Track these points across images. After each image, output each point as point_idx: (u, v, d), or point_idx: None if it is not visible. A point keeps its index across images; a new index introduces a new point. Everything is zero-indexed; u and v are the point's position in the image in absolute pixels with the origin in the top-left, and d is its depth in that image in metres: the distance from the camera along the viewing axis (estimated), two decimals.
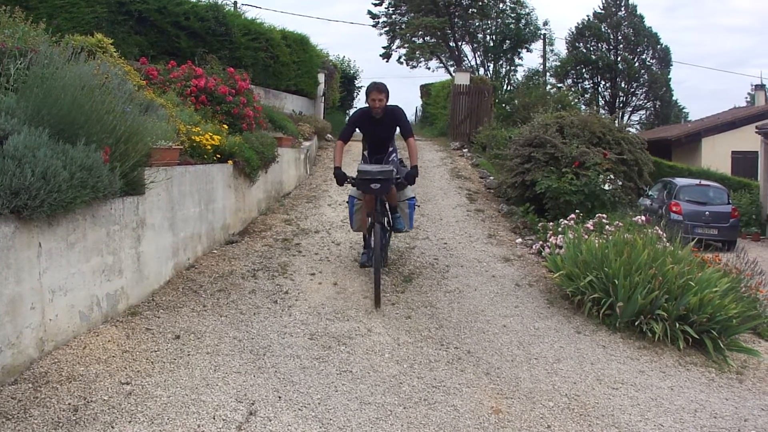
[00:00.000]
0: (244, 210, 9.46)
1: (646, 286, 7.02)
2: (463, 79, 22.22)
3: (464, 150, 19.61)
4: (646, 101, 49.06)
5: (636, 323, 7.01)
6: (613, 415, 5.11)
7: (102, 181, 5.08)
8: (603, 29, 47.29)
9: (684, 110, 52.17)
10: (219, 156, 8.44)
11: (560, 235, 9.16)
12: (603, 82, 48.81)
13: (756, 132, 22.59)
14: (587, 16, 48.28)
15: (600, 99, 48.31)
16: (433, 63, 43.76)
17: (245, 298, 6.69)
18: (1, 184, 4.30)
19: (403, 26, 40.66)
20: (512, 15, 43.40)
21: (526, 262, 9.21)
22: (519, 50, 44.42)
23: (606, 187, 10.92)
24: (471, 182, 14.97)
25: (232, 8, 17.05)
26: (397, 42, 41.91)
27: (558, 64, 48.01)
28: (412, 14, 39.74)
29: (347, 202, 8.19)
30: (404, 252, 8.96)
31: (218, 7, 15.19)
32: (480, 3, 39.69)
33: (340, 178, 7.38)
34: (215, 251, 8.02)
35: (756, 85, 38.05)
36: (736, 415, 5.42)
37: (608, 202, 11.05)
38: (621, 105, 48.21)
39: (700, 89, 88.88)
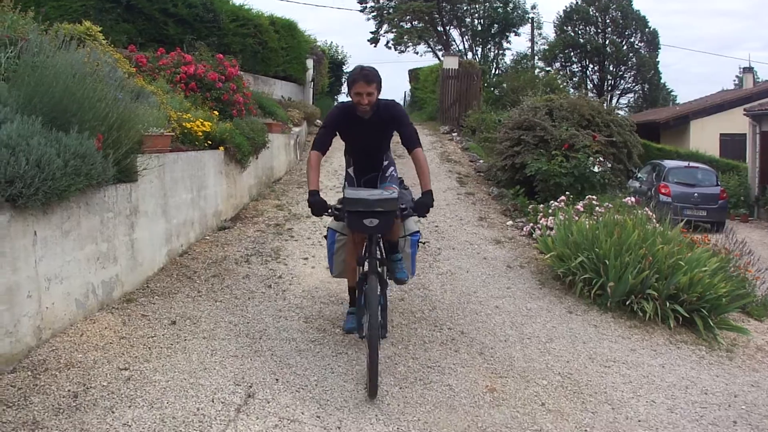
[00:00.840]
0: (235, 196, 9.48)
1: (637, 266, 7.10)
2: (452, 63, 22.25)
3: (454, 134, 19.66)
4: (634, 84, 49.23)
5: (627, 303, 7.10)
6: (605, 392, 5.19)
7: (95, 169, 5.09)
8: (591, 12, 47.34)
9: (672, 93, 52.38)
10: (210, 142, 8.45)
11: (551, 217, 9.23)
12: (591, 66, 48.92)
13: (744, 114, 22.72)
14: None
15: (588, 82, 48.43)
16: (422, 47, 43.77)
17: (239, 283, 6.72)
18: None
19: (391, 11, 40.60)
20: None
21: (517, 244, 9.28)
22: (507, 34, 44.49)
23: (595, 169, 11.00)
24: (461, 166, 15.04)
25: None
26: (385, 27, 41.87)
27: (546, 47, 48.08)
28: None
29: (325, 236, 5.85)
30: None
31: None
32: None
33: (318, 207, 4.92)
34: (208, 237, 8.04)
35: (744, 68, 38.21)
36: (727, 391, 5.52)
37: (598, 184, 11.14)
38: (609, 88, 48.32)
39: (688, 72, 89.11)
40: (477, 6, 42.97)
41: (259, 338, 5.44)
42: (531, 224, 9.78)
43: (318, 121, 19.02)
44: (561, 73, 45.55)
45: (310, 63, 21.09)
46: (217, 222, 8.60)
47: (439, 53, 41.69)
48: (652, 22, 48.12)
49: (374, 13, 41.72)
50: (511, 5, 43.41)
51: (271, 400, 4.42)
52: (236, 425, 4.04)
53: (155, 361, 4.78)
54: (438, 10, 39.84)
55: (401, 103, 36.19)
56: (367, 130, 5.29)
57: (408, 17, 39.53)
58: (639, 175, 19.19)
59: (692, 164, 20.38)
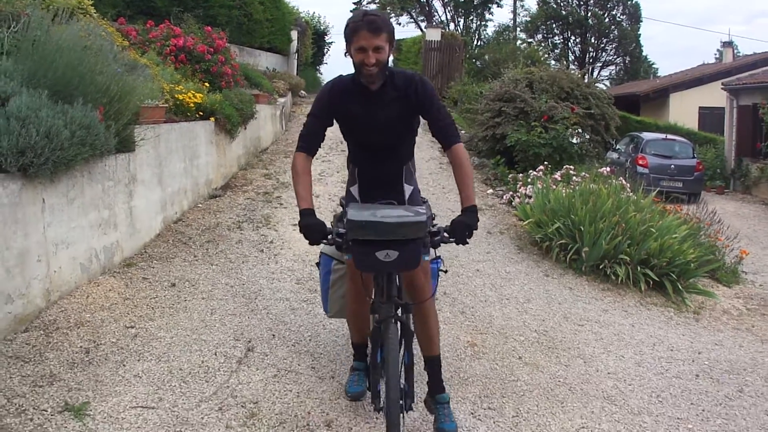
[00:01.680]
0: (225, 165, 9.75)
1: (610, 233, 7.49)
2: (434, 35, 22.42)
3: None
4: (615, 57, 49.55)
5: (600, 267, 7.49)
6: (578, 347, 5.57)
7: (99, 139, 5.36)
8: None
9: (653, 66, 52.76)
10: (201, 113, 8.69)
11: (529, 186, 9.60)
12: (573, 38, 49.16)
13: (722, 88, 23.10)
14: None
15: (570, 54, 48.64)
16: (404, 18, 43.75)
17: (233, 248, 7.03)
18: (8, 144, 4.58)
19: None
20: None
21: (497, 212, 9.65)
22: (489, 5, 44.60)
23: (573, 140, 11.36)
24: None
25: None
26: None
27: (528, 19, 48.21)
28: None
29: (316, 263, 4.46)
30: None
31: None
32: None
33: (316, 231, 3.42)
34: (200, 205, 8.32)
35: (724, 42, 38.61)
36: (691, 348, 5.91)
37: (576, 155, 11.51)
38: (591, 60, 48.61)
39: (670, 45, 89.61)
40: None
41: (254, 298, 5.78)
42: (511, 193, 10.13)
43: (302, 92, 19.26)
44: (543, 45, 45.79)
45: (294, 34, 21.22)
46: (209, 190, 8.87)
47: (422, 24, 41.77)
48: None
49: None
50: None
51: (269, 354, 4.77)
52: (238, 375, 4.38)
53: (159, 320, 5.10)
54: None
55: None
56: (377, 112, 3.64)
57: None
58: (618, 146, 19.59)
59: (669, 137, 20.76)
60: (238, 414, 3.91)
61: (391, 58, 3.66)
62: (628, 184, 9.25)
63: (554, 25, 48.61)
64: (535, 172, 10.20)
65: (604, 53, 49.66)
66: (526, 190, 9.49)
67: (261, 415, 3.92)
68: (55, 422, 3.59)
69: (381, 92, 3.60)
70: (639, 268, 7.38)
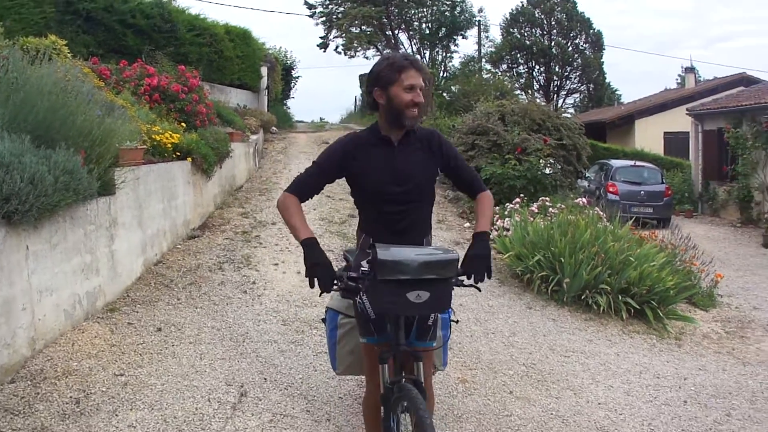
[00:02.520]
0: (202, 205, 9.72)
1: (590, 263, 7.58)
2: None
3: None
4: (580, 84, 50.13)
5: (582, 297, 7.57)
6: (567, 379, 5.60)
7: (82, 184, 5.33)
8: (537, 15, 48.06)
9: (617, 92, 53.41)
10: (178, 153, 8.67)
11: (507, 218, 9.66)
12: (537, 67, 49.64)
13: (687, 114, 23.50)
14: (521, 2, 48.93)
15: (535, 83, 49.19)
16: (371, 52, 44.00)
17: (216, 290, 7.00)
18: None
19: (339, 16, 40.75)
20: (447, 2, 43.88)
21: None
22: (454, 37, 44.89)
23: (547, 171, 11.49)
24: None
25: (175, 4, 17.06)
26: (334, 32, 41.97)
27: (493, 50, 48.71)
28: (349, 4, 39.84)
29: (322, 319, 4.27)
30: None
31: (163, 5, 15.27)
32: None
33: (326, 274, 3.09)
34: (179, 246, 8.27)
35: (686, 68, 39.43)
36: (677, 375, 5.98)
37: (549, 186, 11.65)
38: (555, 89, 49.16)
39: (632, 72, 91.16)
40: (425, 10, 43.37)
41: (242, 341, 5.74)
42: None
43: (274, 128, 19.26)
44: (508, 74, 46.25)
45: (264, 70, 21.24)
46: (187, 231, 8.83)
47: None
48: (596, 23, 49.10)
49: (323, 19, 41.84)
50: (458, 9, 43.85)
51: (262, 398, 4.73)
52: (234, 422, 4.34)
53: (148, 366, 5.05)
54: (387, 14, 40.18)
55: (351, 108, 36.33)
56: (399, 164, 3.36)
57: (357, 22, 39.74)
58: (587, 174, 19.79)
59: (638, 163, 21.02)
60: None
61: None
62: (604, 214, 9.35)
63: (519, 55, 49.10)
64: (511, 205, 10.28)
65: (568, 81, 50.23)
66: (503, 222, 9.56)
67: None
68: None
69: (404, 143, 3.39)
70: (620, 297, 7.48)
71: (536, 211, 9.58)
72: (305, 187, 3.41)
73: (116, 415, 4.28)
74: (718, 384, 5.84)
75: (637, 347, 6.67)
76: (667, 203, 19.26)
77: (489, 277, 3.27)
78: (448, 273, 3.07)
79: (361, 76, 32.46)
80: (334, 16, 41.38)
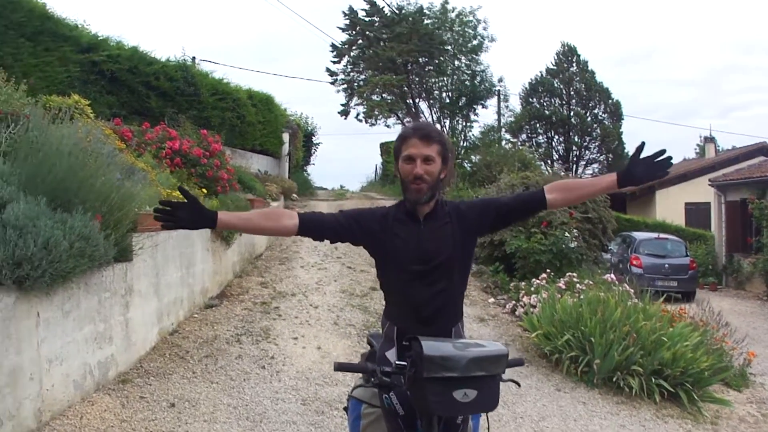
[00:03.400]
0: (220, 273, 9.51)
1: (621, 343, 7.27)
2: None
3: None
4: (599, 155, 50.10)
5: (613, 379, 7.23)
6: None
7: (98, 250, 5.16)
8: (556, 84, 48.41)
9: None
10: None
11: (533, 295, 9.37)
12: (557, 137, 49.75)
13: (709, 185, 23.31)
14: (540, 72, 49.33)
15: (554, 153, 49.23)
16: (392, 120, 44.29)
17: (233, 364, 6.72)
18: (4, 254, 4.35)
19: (361, 83, 41.17)
20: (468, 72, 44.29)
21: (500, 322, 9.39)
22: (474, 106, 45.19)
23: (572, 245, 11.24)
24: None
25: (199, 68, 17.19)
26: (356, 99, 42.35)
27: (512, 119, 48.94)
28: (371, 72, 40.28)
29: (345, 408, 3.57)
30: (381, 314, 9.03)
31: (187, 67, 15.39)
32: (437, 61, 40.44)
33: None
34: (196, 315, 8.04)
35: (705, 137, 39.41)
36: None
37: (575, 260, 11.36)
38: (575, 159, 49.16)
39: (650, 140, 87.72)
40: (445, 79, 43.79)
41: (259, 421, 5.45)
42: (513, 302, 9.91)
43: (294, 195, 19.18)
44: (527, 144, 46.32)
45: (286, 137, 21.31)
46: (204, 299, 8.61)
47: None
48: (614, 93, 49.31)
49: (345, 86, 42.29)
50: (478, 78, 44.25)
51: None
52: None
53: None
54: (407, 83, 40.53)
55: (372, 176, 36.29)
56: (427, 241, 3.09)
57: (378, 90, 40.09)
58: (610, 247, 19.51)
59: (662, 236, 20.76)
60: None
61: (443, 176, 3.13)
62: (632, 290, 9.06)
63: (538, 125, 49.26)
64: (538, 281, 10.00)
65: (587, 151, 50.20)
66: (530, 299, 9.26)
67: None
68: None
69: (431, 218, 3.11)
70: (653, 379, 7.13)
71: (564, 287, 9.30)
72: (315, 221, 3.11)
73: None
74: None
75: None
76: (692, 276, 18.96)
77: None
78: (498, 369, 2.83)
79: (382, 144, 32.60)
80: (356, 84, 41.83)
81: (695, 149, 55.99)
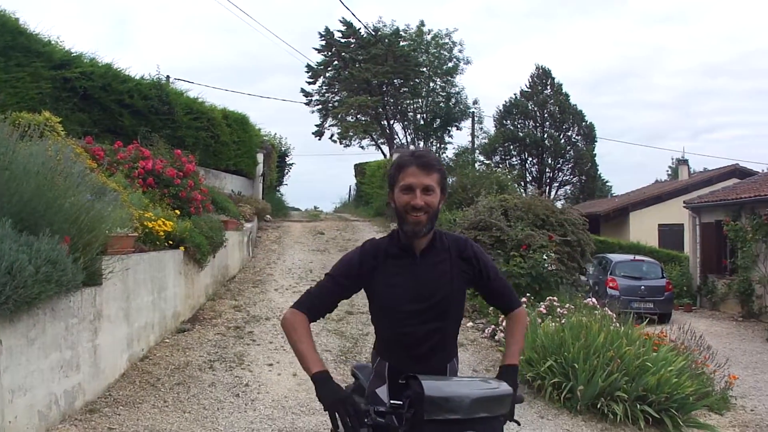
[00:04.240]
0: (193, 296, 9.26)
1: (605, 369, 7.11)
2: None
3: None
4: (572, 176, 50.41)
5: (597, 405, 7.07)
6: None
7: (66, 275, 4.94)
8: (530, 107, 48.78)
9: (608, 184, 53.84)
10: (170, 242, 8.28)
11: None
12: (530, 158, 50.03)
13: (684, 206, 23.41)
14: (515, 94, 49.75)
15: (527, 174, 49.43)
16: (366, 141, 44.26)
17: (206, 392, 6.47)
18: None
19: (336, 104, 41.12)
20: (443, 94, 44.53)
21: (480, 347, 9.22)
22: (449, 128, 45.41)
23: (551, 268, 11.14)
24: None
25: (172, 86, 16.88)
26: (330, 120, 42.28)
27: (486, 141, 49.13)
28: (346, 93, 40.25)
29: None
30: (358, 339, 8.81)
31: (161, 86, 15.10)
32: (412, 83, 40.53)
33: (355, 412, 2.56)
34: (167, 340, 7.79)
35: (678, 160, 39.83)
36: None
37: (553, 283, 11.26)
38: (548, 181, 49.42)
39: (622, 162, 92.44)
40: (420, 101, 43.94)
41: None
42: (492, 326, 9.73)
43: (268, 216, 18.92)
44: (500, 166, 46.46)
45: (260, 157, 21.05)
46: (176, 324, 8.35)
47: (383, 147, 42.24)
48: (588, 116, 49.68)
49: (319, 106, 42.21)
50: (453, 100, 44.50)
51: None
52: None
53: None
54: (383, 104, 40.55)
55: (345, 197, 36.17)
56: (424, 278, 2.91)
57: (353, 111, 40.06)
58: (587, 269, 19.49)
59: (638, 257, 20.82)
60: None
61: (440, 205, 2.92)
62: (614, 315, 8.94)
63: (512, 147, 49.49)
64: None
65: (560, 173, 50.52)
66: None
67: None
68: None
69: (427, 253, 2.92)
70: (637, 405, 6.98)
71: (544, 311, 9.16)
72: (317, 303, 2.92)
73: None
74: None
75: None
76: (668, 298, 18.99)
77: (510, 419, 2.79)
78: (503, 409, 2.65)
79: (356, 165, 32.42)
80: (330, 105, 41.79)
81: (667, 171, 56.56)
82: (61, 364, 5.24)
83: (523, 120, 49.57)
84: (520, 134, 48.88)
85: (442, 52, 43.78)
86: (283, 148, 28.97)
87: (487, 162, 45.69)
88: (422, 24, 42.70)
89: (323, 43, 40.00)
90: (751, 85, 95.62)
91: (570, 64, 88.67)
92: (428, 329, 2.91)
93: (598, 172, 51.54)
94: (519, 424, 2.88)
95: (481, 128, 48.35)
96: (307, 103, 42.25)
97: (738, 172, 30.64)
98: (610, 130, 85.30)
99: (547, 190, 46.54)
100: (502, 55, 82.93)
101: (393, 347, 2.97)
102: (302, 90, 41.95)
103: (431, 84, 44.23)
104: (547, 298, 9.70)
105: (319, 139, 43.68)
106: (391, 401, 2.70)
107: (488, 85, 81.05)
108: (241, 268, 12.72)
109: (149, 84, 14.72)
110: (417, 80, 41.39)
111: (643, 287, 18.69)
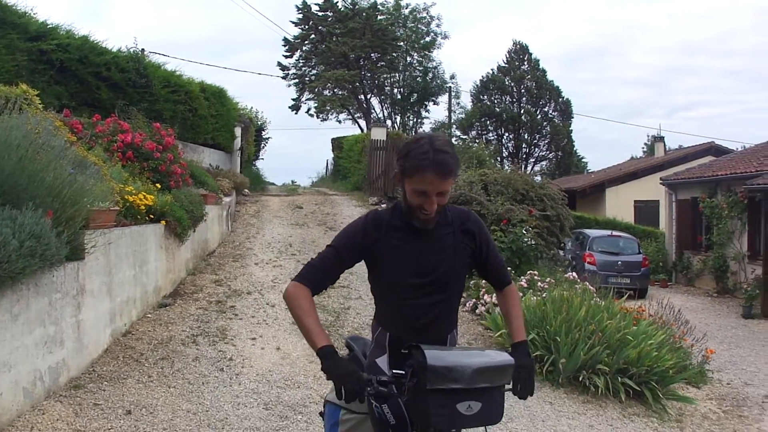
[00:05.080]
0: (173, 271, 9.19)
1: (587, 342, 7.19)
2: (380, 134, 22.15)
3: (383, 205, 19.54)
4: (548, 152, 50.58)
5: (579, 378, 7.18)
6: None
7: (50, 249, 4.87)
8: (507, 82, 48.70)
9: (583, 160, 54.13)
10: (152, 216, 8.21)
11: (494, 293, 9.25)
12: (507, 134, 50.09)
13: (660, 183, 23.61)
14: (492, 69, 49.69)
15: (504, 150, 49.51)
16: (343, 116, 44.11)
17: (190, 367, 6.45)
18: None
19: (313, 78, 40.88)
20: (420, 69, 44.45)
21: (461, 320, 9.25)
22: (426, 103, 45.37)
23: (531, 242, 11.19)
24: None
25: (148, 58, 16.58)
26: (307, 94, 42.06)
27: (463, 116, 49.12)
28: (323, 67, 40.03)
29: (320, 413, 3.40)
30: (340, 313, 8.81)
31: (139, 59, 14.85)
32: (389, 57, 40.36)
33: (355, 382, 2.56)
34: (149, 315, 7.74)
35: (654, 137, 39.94)
36: None
37: (533, 258, 11.32)
38: (524, 156, 49.53)
39: (598, 138, 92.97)
40: (397, 75, 43.81)
41: (221, 428, 5.21)
42: (474, 300, 9.77)
43: (246, 190, 18.80)
44: (477, 141, 46.51)
45: (238, 131, 20.85)
46: (157, 299, 8.29)
47: (360, 121, 42.15)
48: (565, 92, 49.81)
49: (296, 80, 41.96)
50: (430, 75, 44.43)
51: None
52: None
53: None
54: (360, 78, 40.37)
55: (323, 171, 36.09)
56: (427, 251, 2.92)
57: (330, 84, 39.86)
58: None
59: (615, 233, 20.99)
60: None
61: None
62: (594, 288, 9.03)
63: (488, 122, 49.51)
64: None
65: (536, 149, 50.65)
66: (491, 297, 9.14)
67: None
68: None
69: (435, 234, 2.92)
70: (618, 378, 7.09)
71: (525, 286, 9.21)
72: (318, 276, 2.89)
73: None
74: None
75: None
76: (645, 273, 19.23)
77: (532, 394, 2.86)
78: (503, 380, 2.69)
79: (333, 140, 32.27)
80: (307, 79, 41.55)
81: (643, 148, 56.91)
82: (45, 340, 5.19)
83: (500, 95, 49.51)
84: (497, 110, 48.88)
85: (419, 26, 43.66)
86: (259, 122, 28.72)
87: (464, 137, 45.74)
88: None
89: (300, 16, 39.70)
90: (729, 64, 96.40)
91: (548, 40, 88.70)
92: (430, 302, 2.92)
93: (574, 148, 51.81)
94: (524, 396, 2.87)
95: (458, 103, 48.41)
96: (283, 77, 42.03)
97: (714, 149, 30.92)
98: (587, 107, 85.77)
99: (523, 166, 46.62)
100: (480, 30, 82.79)
101: (394, 318, 2.98)
102: (279, 64, 41.71)
103: (408, 58, 44.11)
104: (528, 272, 9.76)
105: (296, 113, 43.58)
106: (394, 371, 2.73)
107: (465, 60, 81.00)
108: (220, 242, 12.63)
109: (126, 57, 14.48)
110: (394, 54, 41.23)
111: (620, 262, 18.90)
